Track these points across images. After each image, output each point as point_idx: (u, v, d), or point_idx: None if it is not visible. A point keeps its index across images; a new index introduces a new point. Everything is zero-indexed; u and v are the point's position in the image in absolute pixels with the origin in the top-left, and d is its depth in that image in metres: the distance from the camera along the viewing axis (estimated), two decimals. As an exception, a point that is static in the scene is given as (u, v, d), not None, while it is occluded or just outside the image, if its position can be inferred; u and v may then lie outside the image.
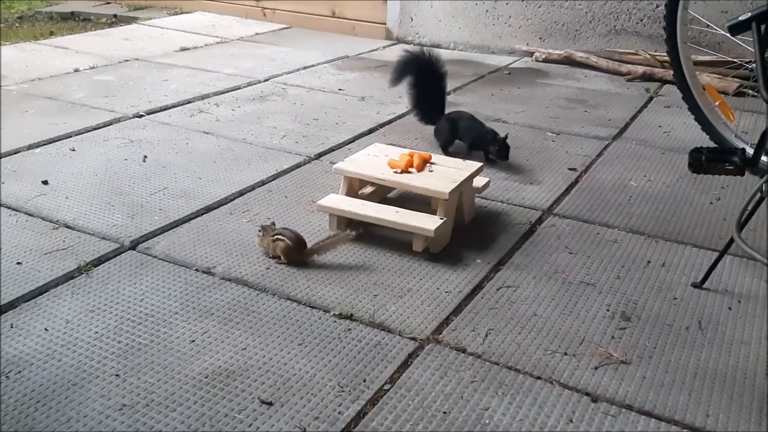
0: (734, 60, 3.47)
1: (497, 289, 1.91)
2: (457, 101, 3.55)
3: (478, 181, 2.32)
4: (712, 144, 2.74)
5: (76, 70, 3.93)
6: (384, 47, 4.72)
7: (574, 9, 4.30)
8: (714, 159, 1.86)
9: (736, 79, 3.68)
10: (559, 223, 2.30)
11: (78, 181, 2.51)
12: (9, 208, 2.29)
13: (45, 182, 2.48)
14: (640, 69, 4.01)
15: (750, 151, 2.14)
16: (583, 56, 4.22)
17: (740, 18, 2.17)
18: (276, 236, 2.00)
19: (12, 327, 1.70)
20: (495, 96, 3.67)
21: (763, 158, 2.12)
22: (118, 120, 3.15)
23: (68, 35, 4.93)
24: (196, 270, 1.97)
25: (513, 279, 1.97)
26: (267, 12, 5.41)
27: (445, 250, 2.10)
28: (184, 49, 4.50)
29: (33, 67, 3.96)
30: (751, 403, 1.51)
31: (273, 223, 2.07)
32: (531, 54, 4.44)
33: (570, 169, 2.73)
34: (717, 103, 2.77)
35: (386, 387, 1.53)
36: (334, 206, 2.16)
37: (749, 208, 1.80)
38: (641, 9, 4.13)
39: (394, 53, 4.54)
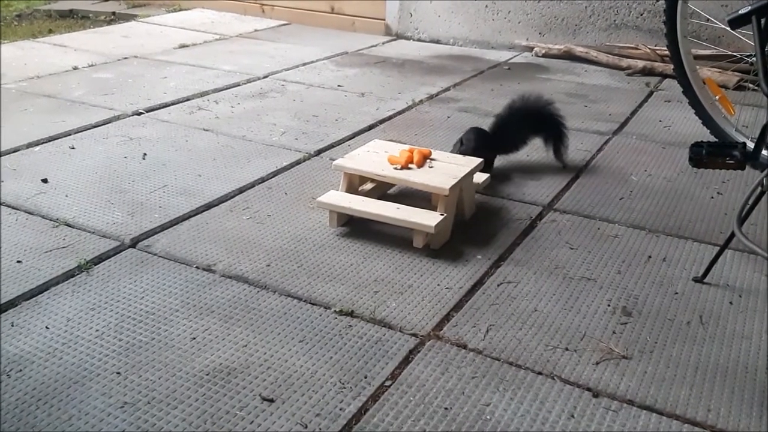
0: (734, 54, 3.46)
1: (498, 285, 1.91)
2: (456, 97, 3.55)
3: (478, 177, 2.32)
4: (712, 138, 2.73)
5: (75, 68, 3.92)
6: (383, 43, 4.72)
7: (574, 4, 4.29)
8: (714, 153, 1.86)
9: (736, 73, 3.68)
10: (560, 219, 2.30)
11: (77, 179, 2.51)
12: (9, 206, 2.29)
13: (45, 180, 2.48)
14: (641, 63, 4.01)
15: (750, 145, 2.13)
16: (583, 51, 4.21)
17: (740, 11, 2.16)
18: None
19: (12, 325, 1.70)
20: (495, 91, 3.66)
21: (764, 152, 2.11)
22: (117, 118, 3.15)
23: (67, 33, 4.92)
24: (197, 267, 1.97)
25: (513, 275, 1.96)
26: (266, 8, 5.40)
27: (446, 247, 2.09)
28: (182, 46, 4.50)
29: (32, 65, 3.95)
30: (753, 397, 1.51)
31: None
32: (531, 49, 4.43)
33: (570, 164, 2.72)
34: (717, 97, 2.76)
35: (387, 383, 1.53)
36: (334, 203, 2.16)
37: (750, 202, 1.80)
38: (641, 3, 4.12)
39: (394, 49, 4.57)
